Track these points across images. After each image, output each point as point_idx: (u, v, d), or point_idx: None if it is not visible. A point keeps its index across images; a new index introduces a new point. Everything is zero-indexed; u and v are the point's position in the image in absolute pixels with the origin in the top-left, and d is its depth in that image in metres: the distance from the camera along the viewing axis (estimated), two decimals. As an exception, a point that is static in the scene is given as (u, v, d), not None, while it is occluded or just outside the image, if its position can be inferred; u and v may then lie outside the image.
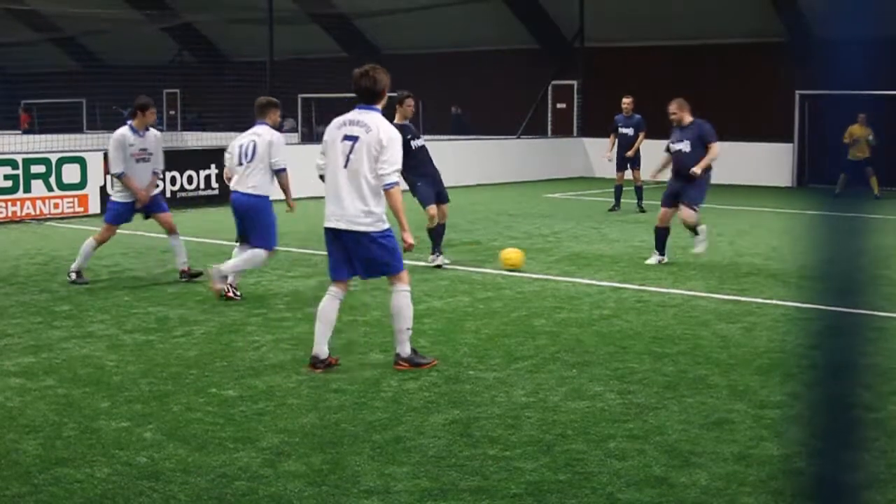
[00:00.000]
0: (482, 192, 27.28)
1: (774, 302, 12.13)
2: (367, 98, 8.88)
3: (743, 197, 26.66)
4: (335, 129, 8.86)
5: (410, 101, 14.85)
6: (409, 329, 9.03)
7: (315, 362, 8.83)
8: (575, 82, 35.82)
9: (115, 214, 13.40)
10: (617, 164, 23.40)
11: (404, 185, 10.24)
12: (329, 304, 8.96)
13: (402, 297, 8.99)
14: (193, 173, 23.53)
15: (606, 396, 8.05)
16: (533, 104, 34.66)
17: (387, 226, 8.82)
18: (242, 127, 14.50)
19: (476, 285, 13.15)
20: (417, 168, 14.41)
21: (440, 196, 14.72)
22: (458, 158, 28.95)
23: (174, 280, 13.43)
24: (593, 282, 13.51)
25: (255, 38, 30.67)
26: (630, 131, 23.21)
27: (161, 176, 14.10)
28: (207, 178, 23.71)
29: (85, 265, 13.34)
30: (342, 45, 40.33)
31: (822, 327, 8.85)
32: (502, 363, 9.11)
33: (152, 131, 13.50)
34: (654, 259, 15.03)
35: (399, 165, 8.73)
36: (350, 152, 8.65)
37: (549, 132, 36.71)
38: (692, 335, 10.27)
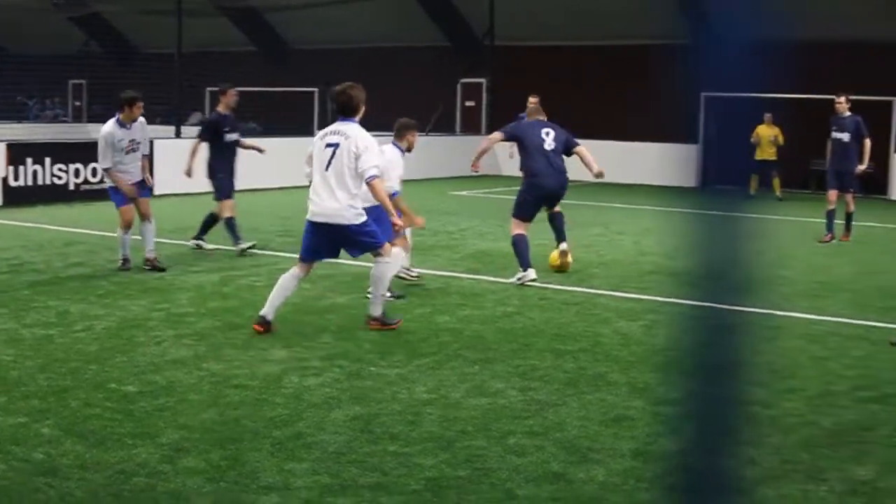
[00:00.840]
0: (390, 188, 27.29)
1: (675, 300, 12.29)
2: (345, 112, 10.38)
3: (648, 196, 26.95)
4: (319, 139, 10.34)
5: (233, 92, 15.53)
6: (384, 295, 10.56)
7: (262, 321, 10.00)
8: (484, 80, 35.92)
9: (121, 197, 13.70)
10: None
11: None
12: (290, 278, 10.33)
13: (382, 266, 10.38)
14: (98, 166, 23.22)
15: (508, 393, 8.12)
16: (442, 101, 34.70)
17: (364, 217, 10.20)
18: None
19: (381, 282, 13.14)
20: (224, 160, 15.20)
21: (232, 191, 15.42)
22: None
23: (75, 274, 13.28)
24: (498, 279, 13.59)
25: (164, 29, 30.32)
26: None
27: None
28: (112, 170, 23.40)
29: (128, 252, 13.60)
30: (251, 38, 40.09)
31: (716, 325, 9.00)
32: (404, 359, 9.14)
33: (139, 120, 13.73)
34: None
35: (376, 163, 10.09)
36: (332, 157, 10.05)
37: (458, 130, 36.77)
38: (593, 333, 10.38)
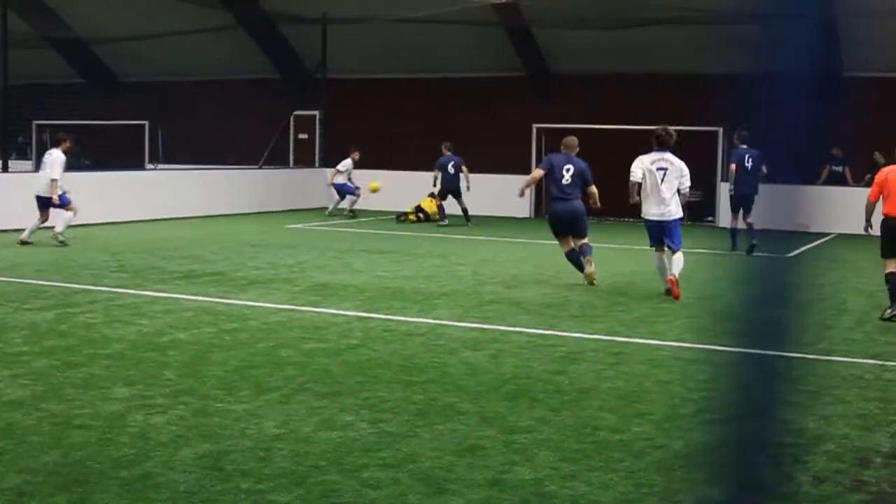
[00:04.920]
0: (224, 222, 26.96)
1: (518, 329, 12.39)
2: (664, 145, 15.37)
3: (485, 227, 27.18)
4: (649, 162, 15.27)
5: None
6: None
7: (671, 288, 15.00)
8: (317, 113, 35.84)
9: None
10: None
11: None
12: (659, 258, 15.57)
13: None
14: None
15: (358, 426, 8.03)
16: (275, 134, 34.48)
17: (680, 214, 15.43)
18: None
19: (221, 316, 12.94)
20: None
21: None
22: (199, 188, 28.58)
23: None
24: (339, 311, 13.49)
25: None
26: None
27: None
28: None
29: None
30: (79, 70, 39.28)
31: (566, 353, 9.07)
32: (251, 395, 8.98)
33: None
34: None
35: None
36: (664, 176, 15.17)
37: (292, 162, 36.59)
38: (440, 363, 10.37)
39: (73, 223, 21.03)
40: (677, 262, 15.10)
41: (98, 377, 9.51)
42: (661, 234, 15.39)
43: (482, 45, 32.57)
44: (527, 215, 32.11)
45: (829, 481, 6.88)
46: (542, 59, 32.89)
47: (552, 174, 16.42)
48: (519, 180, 32.16)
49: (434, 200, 29.18)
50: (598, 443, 7.63)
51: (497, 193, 29.49)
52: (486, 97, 33.46)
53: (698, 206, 28.65)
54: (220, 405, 8.60)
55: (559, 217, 16.50)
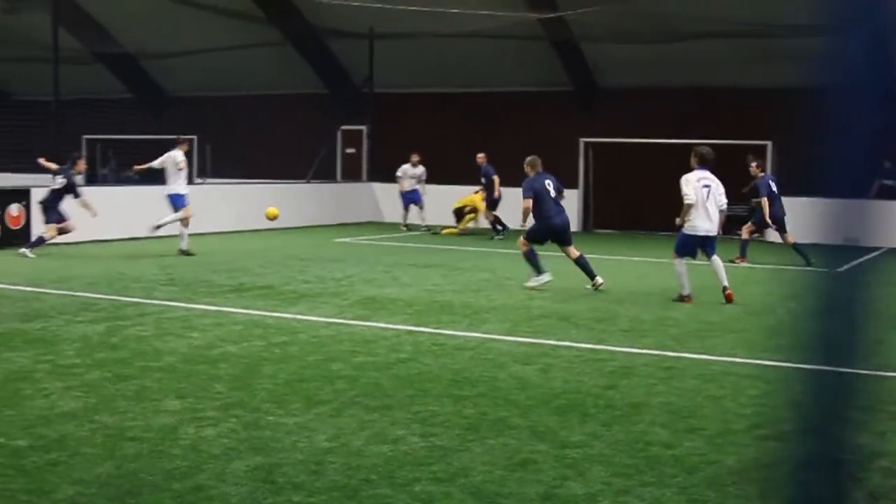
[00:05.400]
0: (273, 236, 27.04)
1: (567, 343, 12.34)
2: (706, 163, 16.04)
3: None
4: (695, 180, 15.79)
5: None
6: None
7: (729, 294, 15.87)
8: (364, 127, 35.94)
9: None
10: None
11: None
12: (683, 265, 15.95)
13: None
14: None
15: (409, 440, 8.01)
16: (322, 148, 34.60)
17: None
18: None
19: (270, 329, 12.98)
20: None
21: None
22: (247, 202, 28.70)
23: (-46, 326, 12.87)
24: (389, 325, 13.50)
25: (39, 76, 29.74)
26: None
27: None
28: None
29: None
30: (128, 85, 39.58)
31: (616, 368, 9.05)
32: (302, 408, 8.99)
33: None
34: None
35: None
36: (708, 193, 15.78)
37: (339, 177, 36.71)
38: (490, 377, 10.34)
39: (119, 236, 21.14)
40: (721, 267, 16.18)
41: (150, 389, 9.55)
42: (702, 246, 16.05)
43: (528, 59, 32.55)
44: (575, 229, 32.06)
45: (884, 499, 6.81)
46: (589, 72, 32.81)
47: (541, 197, 17.38)
48: (566, 194, 32.30)
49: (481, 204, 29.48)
50: (650, 458, 7.58)
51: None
52: (533, 111, 33.41)
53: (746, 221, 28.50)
54: (271, 418, 8.61)
55: (556, 230, 17.49)
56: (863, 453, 7.51)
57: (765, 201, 22.30)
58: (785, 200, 27.36)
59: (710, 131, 29.43)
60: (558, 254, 17.75)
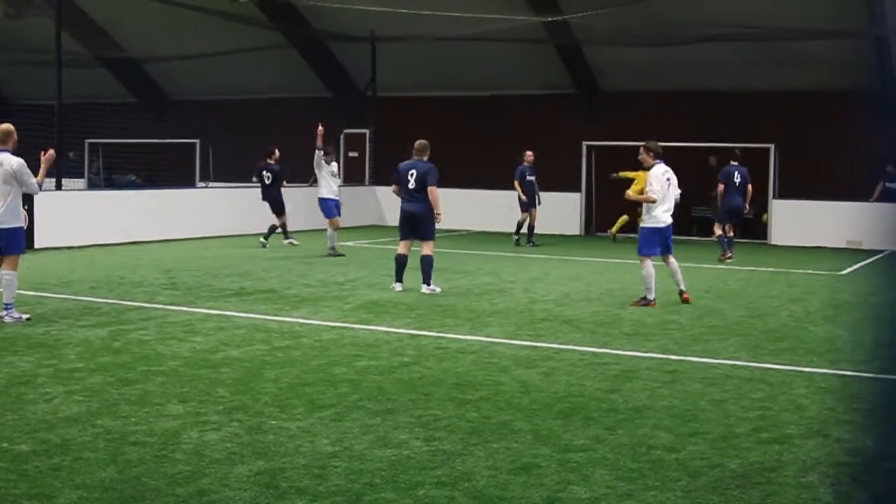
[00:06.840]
0: (275, 239, 27.00)
1: (570, 347, 12.33)
2: (660, 157, 15.98)
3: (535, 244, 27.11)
4: (661, 175, 15.75)
5: None
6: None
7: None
8: (367, 131, 35.94)
9: None
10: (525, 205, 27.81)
11: None
12: (651, 266, 15.86)
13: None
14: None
15: (412, 444, 8.00)
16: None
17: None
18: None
19: (273, 333, 12.97)
20: None
21: None
22: (249, 206, 28.67)
23: (-44, 331, 12.87)
24: (391, 329, 13.48)
25: (41, 80, 29.74)
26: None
27: None
28: None
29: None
30: (131, 89, 39.59)
31: (619, 371, 9.03)
32: (305, 412, 8.97)
33: None
34: None
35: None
36: (669, 186, 15.93)
37: (342, 180, 36.65)
38: (493, 381, 10.32)
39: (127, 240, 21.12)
40: (678, 271, 16.31)
41: (152, 394, 9.54)
42: (665, 240, 16.08)
43: (531, 62, 32.54)
44: (577, 232, 32.07)
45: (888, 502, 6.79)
46: (592, 75, 32.81)
47: (400, 181, 17.48)
48: (568, 197, 32.26)
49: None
50: (653, 462, 7.56)
51: (545, 211, 29.41)
52: (536, 114, 33.41)
53: (751, 224, 28.50)
54: (274, 422, 8.60)
55: (404, 217, 17.48)
56: (866, 456, 7.50)
57: (721, 187, 23.58)
58: (787, 203, 27.53)
59: (712, 134, 29.48)
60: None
